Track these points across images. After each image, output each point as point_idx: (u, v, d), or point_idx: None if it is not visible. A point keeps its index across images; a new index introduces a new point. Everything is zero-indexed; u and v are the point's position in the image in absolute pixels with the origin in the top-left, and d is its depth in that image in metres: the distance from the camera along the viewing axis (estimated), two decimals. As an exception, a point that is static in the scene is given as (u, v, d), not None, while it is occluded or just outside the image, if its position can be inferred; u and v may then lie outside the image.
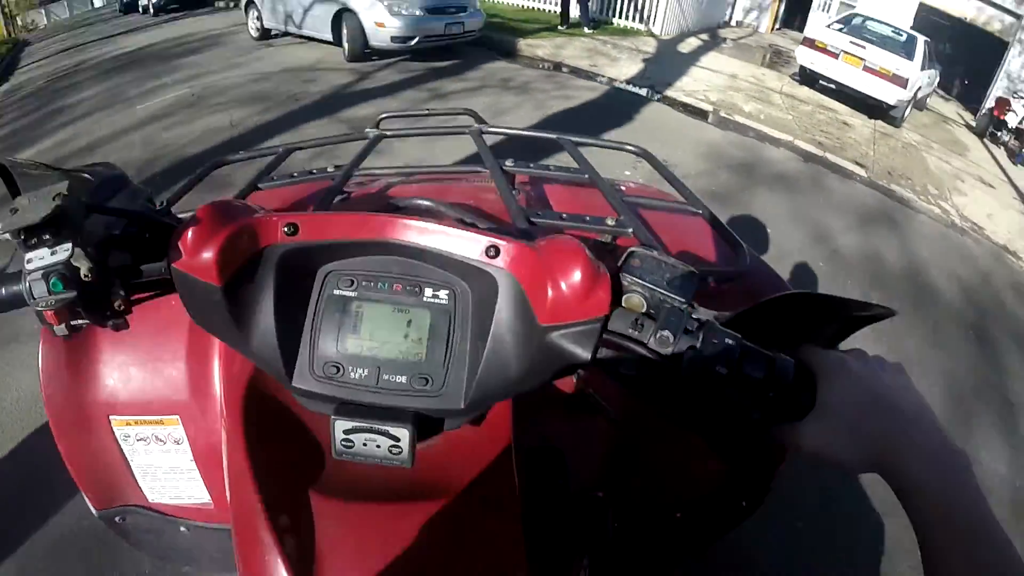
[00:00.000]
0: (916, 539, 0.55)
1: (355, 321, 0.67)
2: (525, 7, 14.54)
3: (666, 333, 0.61)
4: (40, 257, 0.57)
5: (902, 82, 9.78)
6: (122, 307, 0.66)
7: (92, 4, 54.04)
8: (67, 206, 0.56)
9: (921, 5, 17.13)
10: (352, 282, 0.68)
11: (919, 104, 12.30)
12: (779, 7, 19.70)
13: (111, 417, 0.94)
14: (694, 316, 0.64)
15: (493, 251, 0.64)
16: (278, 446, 0.77)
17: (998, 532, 0.52)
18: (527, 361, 0.64)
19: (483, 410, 0.68)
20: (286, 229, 0.65)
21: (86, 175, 0.65)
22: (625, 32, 12.56)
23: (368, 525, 0.70)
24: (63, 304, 0.59)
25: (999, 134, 13.67)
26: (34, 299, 0.58)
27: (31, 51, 21.82)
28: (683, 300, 0.64)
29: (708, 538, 1.33)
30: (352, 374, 0.66)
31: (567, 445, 0.92)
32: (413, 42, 8.85)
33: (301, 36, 10.59)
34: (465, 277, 0.67)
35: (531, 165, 1.25)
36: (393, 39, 8.74)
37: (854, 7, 16.16)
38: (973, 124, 14.62)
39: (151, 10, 23.95)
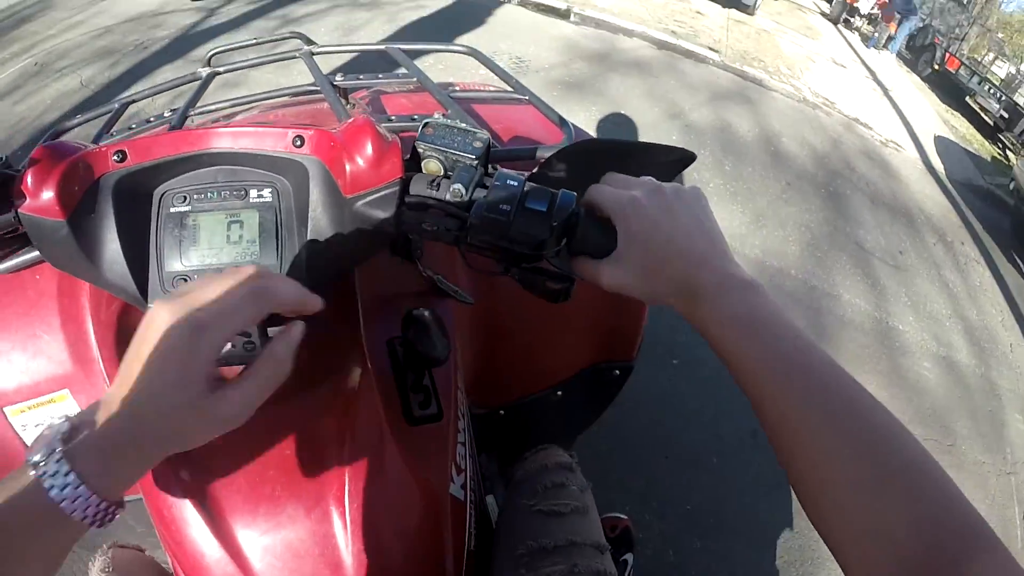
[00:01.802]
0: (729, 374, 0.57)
1: (193, 233, 0.69)
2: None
3: (458, 186, 0.66)
4: None
5: (752, -32, 9.93)
6: None
7: None
8: None
9: None
10: (185, 198, 0.70)
11: (772, -9, 12.57)
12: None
13: (5, 409, 0.91)
14: (489, 172, 0.70)
15: (299, 140, 0.69)
16: None
17: (805, 339, 0.54)
18: (344, 233, 0.69)
19: (319, 290, 0.67)
20: (115, 157, 0.67)
21: None
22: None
23: (249, 437, 0.70)
24: None
25: (852, 20, 14.28)
26: None
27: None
28: (473, 157, 0.68)
29: (592, 412, 1.40)
30: (195, 277, 0.68)
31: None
32: None
33: None
34: (282, 172, 0.71)
35: (360, 77, 1.28)
36: None
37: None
38: (827, 11, 15.13)
39: None
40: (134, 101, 1.36)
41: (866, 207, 5.22)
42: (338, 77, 1.24)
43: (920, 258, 4.86)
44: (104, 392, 0.83)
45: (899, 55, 13.06)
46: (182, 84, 1.45)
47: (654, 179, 0.66)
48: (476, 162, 0.68)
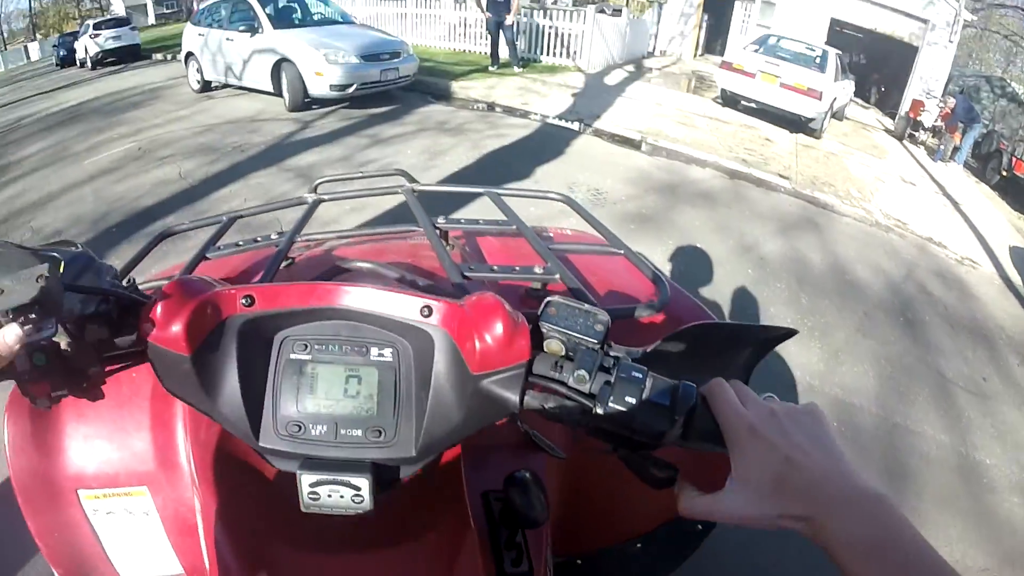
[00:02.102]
0: None
1: (311, 382, 0.72)
2: (457, 50, 14.89)
3: (582, 372, 0.67)
4: (27, 334, 0.60)
5: (817, 95, 10.34)
6: (98, 378, 0.71)
7: (27, 57, 52.80)
8: (50, 287, 0.60)
9: (833, 20, 17.89)
10: (306, 346, 0.73)
11: (837, 115, 12.93)
12: (700, 34, 20.55)
13: (79, 491, 0.95)
14: (610, 354, 0.71)
15: (427, 311, 0.71)
16: (250, 506, 0.83)
17: (935, 563, 0.53)
18: (465, 408, 0.70)
19: (433, 456, 0.74)
20: (243, 300, 0.71)
21: (54, 254, 0.67)
22: (553, 69, 12.91)
23: (339, 574, 0.76)
24: (45, 377, 0.65)
25: (917, 134, 14.38)
26: (18, 372, 0.63)
27: None
28: (596, 341, 0.69)
29: (670, 564, 1.36)
30: (313, 431, 0.71)
31: None
32: (351, 89, 8.99)
33: (241, 88, 10.69)
34: (405, 335, 0.73)
35: (462, 220, 1.33)
36: (332, 87, 8.88)
37: (769, 28, 16.86)
38: (892, 128, 15.34)
39: (89, 64, 23.61)
40: (242, 217, 1.41)
41: (945, 332, 5.14)
42: (440, 219, 1.29)
43: (1004, 383, 4.71)
44: (186, 498, 0.93)
45: (966, 165, 13.13)
46: (288, 207, 1.50)
47: (771, 401, 0.65)
48: (598, 346, 0.70)
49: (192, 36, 11.55)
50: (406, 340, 0.74)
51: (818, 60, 11.27)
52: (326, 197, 1.41)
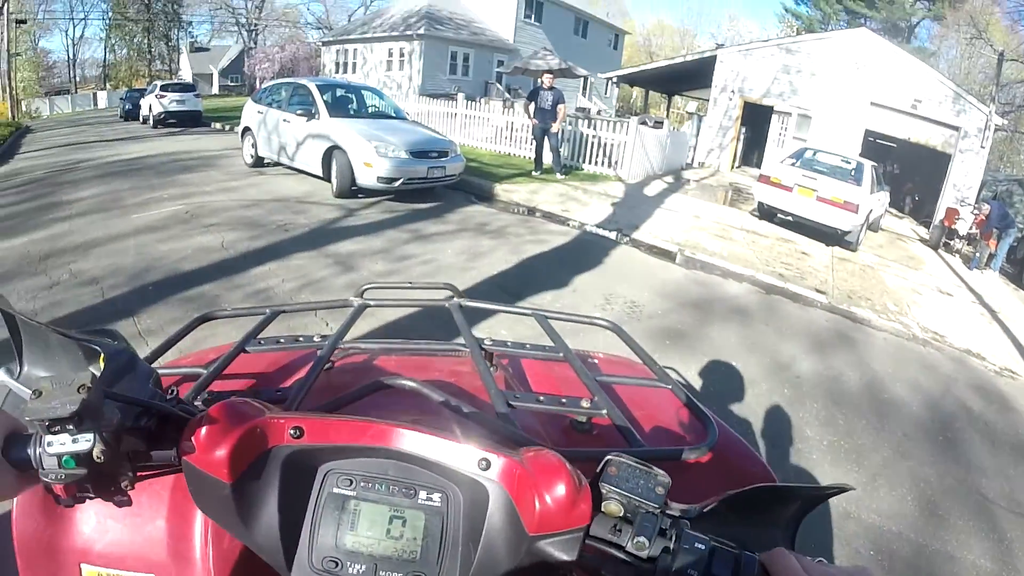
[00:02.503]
0: None
1: (353, 519, 0.70)
2: (502, 153, 15.42)
3: (642, 539, 0.65)
4: (61, 443, 0.59)
5: (854, 208, 10.49)
6: (128, 486, 0.69)
7: (95, 103, 55.10)
8: (91, 400, 0.59)
9: (867, 132, 18.33)
10: (351, 482, 0.71)
11: (873, 226, 13.05)
12: (737, 146, 21.13)
13: (82, 565, 0.92)
14: (667, 513, 0.69)
15: (484, 464, 0.69)
16: None
17: None
18: (515, 564, 0.68)
19: None
20: (292, 432, 0.70)
21: (95, 346, 0.67)
22: (595, 177, 13.22)
23: None
24: (72, 480, 0.62)
25: (952, 243, 14.37)
26: (44, 470, 0.61)
27: (32, 138, 21.83)
28: (656, 506, 0.67)
29: None
30: (350, 569, 0.68)
31: None
32: (397, 183, 9.38)
33: (292, 168, 11.12)
34: (457, 483, 0.72)
35: (508, 344, 1.32)
36: (379, 179, 9.28)
37: (805, 141, 17.22)
38: (927, 237, 15.40)
39: (151, 122, 24.68)
40: (285, 311, 1.41)
41: (986, 450, 5.03)
42: (487, 341, 1.29)
43: (1049, 501, 4.60)
44: None
45: (1002, 271, 13.08)
46: (332, 307, 1.53)
47: (828, 567, 0.66)
48: (659, 510, 0.68)
49: (251, 112, 12.17)
50: (458, 487, 0.72)
51: (854, 172, 11.48)
52: (371, 303, 1.42)
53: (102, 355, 0.67)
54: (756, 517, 0.77)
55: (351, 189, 9.63)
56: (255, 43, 56.68)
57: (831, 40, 18.95)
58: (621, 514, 0.68)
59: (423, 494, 0.72)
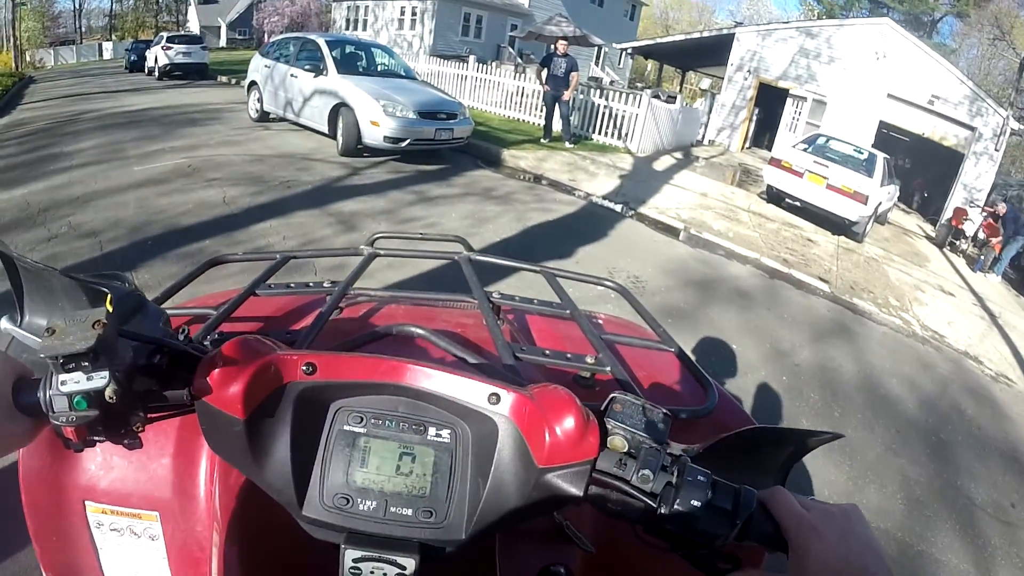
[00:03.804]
0: None
1: (363, 455, 0.70)
2: (511, 118, 15.22)
3: (647, 472, 0.66)
4: (76, 381, 0.57)
5: (863, 199, 10.39)
6: (139, 427, 0.67)
7: (100, 55, 55.16)
8: (107, 336, 0.57)
9: (881, 123, 18.14)
10: (361, 419, 0.71)
11: (880, 218, 12.98)
12: (749, 127, 20.92)
13: (86, 502, 0.93)
14: (668, 452, 0.70)
15: (495, 398, 0.70)
16: (274, 559, 0.81)
17: None
18: (524, 498, 0.69)
19: (482, 540, 0.72)
20: (305, 368, 0.70)
21: (105, 290, 0.64)
22: (604, 148, 13.08)
23: None
24: (83, 422, 0.60)
25: (958, 243, 14.37)
26: (54, 413, 0.59)
27: (35, 89, 21.88)
28: (659, 441, 0.69)
29: None
30: (361, 506, 0.68)
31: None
32: (404, 143, 9.17)
33: (298, 124, 10.97)
34: (466, 418, 0.72)
35: (516, 298, 1.33)
36: (386, 138, 9.07)
37: (819, 127, 17.07)
38: (933, 235, 15.39)
39: (156, 73, 24.57)
40: (296, 258, 1.44)
41: (976, 454, 5.04)
42: (495, 294, 1.31)
43: (1033, 509, 4.63)
44: (197, 532, 0.91)
45: (1005, 276, 13.08)
46: (343, 255, 1.53)
47: (825, 505, 0.70)
48: (662, 446, 0.70)
49: (258, 66, 12.01)
50: (466, 424, 0.73)
51: (866, 163, 11.39)
52: (382, 252, 1.43)
53: (109, 297, 0.63)
54: (751, 459, 0.80)
55: (357, 148, 9.46)
56: None
57: (853, 28, 18.67)
58: (625, 449, 0.69)
59: (432, 430, 0.72)
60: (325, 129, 10.03)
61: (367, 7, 32.03)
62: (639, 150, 13.30)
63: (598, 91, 14.02)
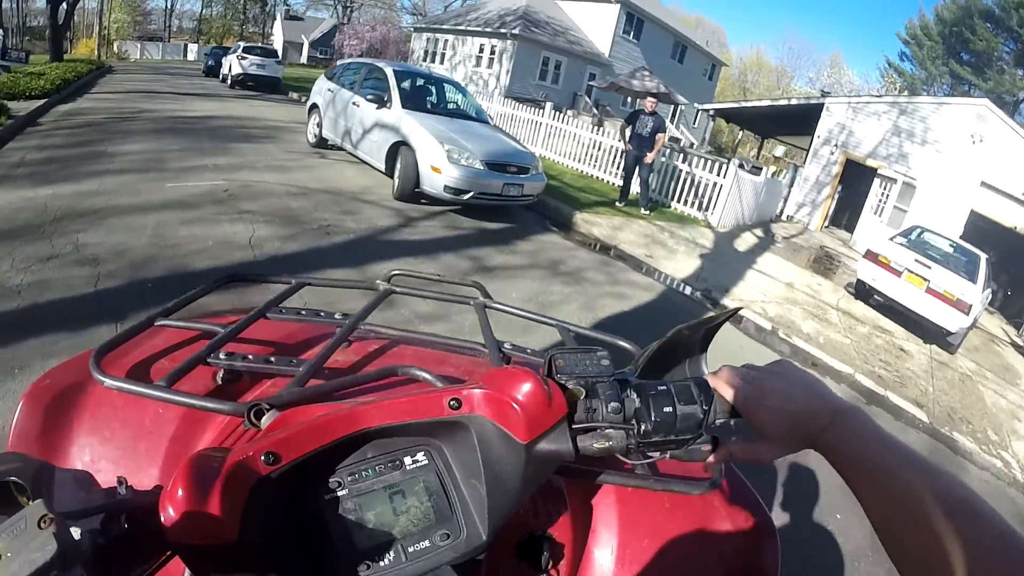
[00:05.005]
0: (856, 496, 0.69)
1: (358, 515, 0.68)
2: (585, 173, 14.51)
3: (615, 404, 0.75)
4: None
5: (965, 308, 9.30)
6: None
7: (185, 55, 58.82)
8: (63, 530, 0.49)
9: (972, 212, 17.01)
10: (339, 483, 0.69)
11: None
12: (830, 205, 19.65)
13: None
14: (618, 379, 0.79)
15: (455, 402, 0.72)
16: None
17: (903, 446, 0.69)
18: (522, 475, 0.71)
19: (502, 531, 0.73)
20: (265, 459, 0.64)
21: (14, 478, 0.55)
22: (682, 219, 12.20)
23: None
24: None
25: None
26: None
27: (109, 79, 22.81)
28: (609, 376, 0.79)
29: None
30: (382, 562, 0.67)
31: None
32: (466, 196, 8.31)
33: (355, 156, 10.32)
34: (434, 433, 0.74)
35: (527, 351, 1.37)
36: (446, 188, 8.22)
37: (906, 211, 16.17)
38: (1019, 342, 14.38)
39: (228, 81, 25.37)
40: (310, 285, 1.45)
41: None
42: (507, 344, 1.34)
43: None
44: None
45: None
46: (357, 288, 1.56)
47: (756, 369, 0.81)
48: (611, 378, 0.79)
49: (322, 89, 11.50)
50: (436, 438, 0.75)
51: (969, 265, 10.23)
52: (397, 289, 1.45)
53: (24, 486, 0.54)
54: (677, 354, 0.90)
55: (413, 192, 8.68)
56: (348, 19, 57.69)
57: (950, 108, 17.46)
58: (583, 395, 0.76)
59: (408, 459, 0.73)
60: (382, 167, 9.33)
61: (446, 40, 32.20)
62: (720, 224, 12.38)
63: (680, 155, 13.19)
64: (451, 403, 0.71)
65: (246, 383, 1.09)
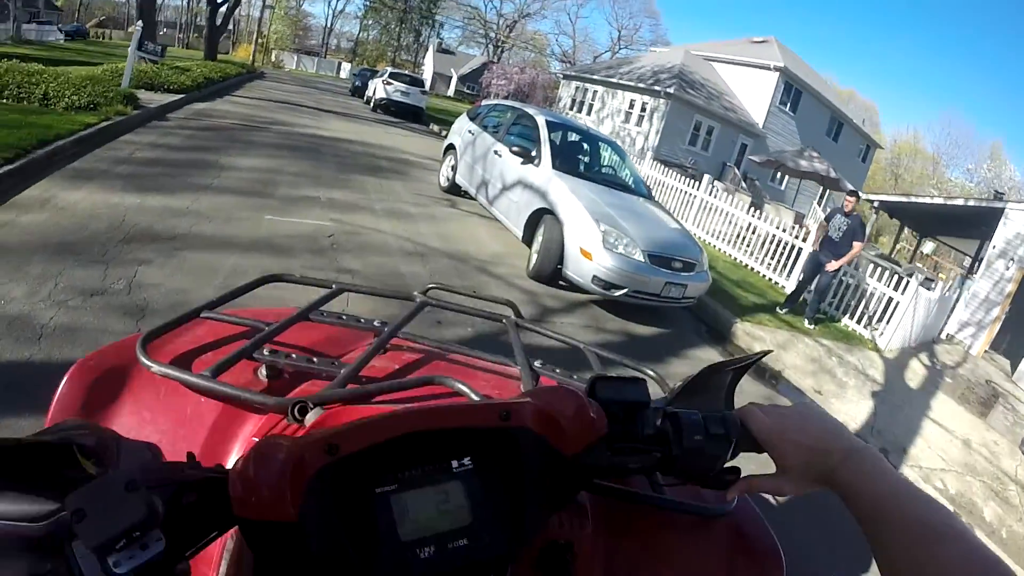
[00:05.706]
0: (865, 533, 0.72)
1: (405, 510, 0.68)
2: (738, 262, 13.12)
3: (649, 429, 0.82)
4: (130, 557, 0.49)
5: None
6: (186, 573, 0.59)
7: (338, 72, 61.58)
8: (149, 495, 0.52)
9: None
10: (391, 477, 0.69)
11: None
12: (996, 328, 17.00)
13: None
14: (655, 407, 0.85)
15: (505, 414, 0.74)
16: None
17: (915, 487, 0.73)
18: (561, 487, 0.76)
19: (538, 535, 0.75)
20: (327, 448, 0.65)
21: (80, 443, 0.58)
22: (849, 337, 10.39)
23: None
24: None
25: None
26: None
27: (257, 84, 23.42)
28: (645, 401, 0.84)
29: None
30: (422, 555, 0.67)
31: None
32: (618, 293, 6.86)
33: (488, 212, 9.22)
34: (484, 439, 0.74)
35: (557, 371, 1.42)
36: (595, 279, 6.80)
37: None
38: None
39: (371, 104, 25.42)
40: (349, 291, 1.52)
41: None
42: (537, 363, 1.39)
43: None
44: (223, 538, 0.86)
45: None
46: (395, 298, 1.68)
47: (782, 408, 0.88)
48: (648, 405, 0.84)
49: (461, 129, 10.57)
50: (485, 443, 0.75)
51: None
52: (432, 302, 1.55)
53: (78, 453, 0.58)
54: (706, 390, 0.95)
55: (552, 273, 7.43)
56: (498, 59, 58.41)
57: None
58: (621, 417, 0.81)
59: (455, 462, 0.73)
60: (519, 233, 8.15)
61: (596, 92, 31.55)
62: (887, 347, 10.55)
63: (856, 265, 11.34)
64: (502, 414, 0.73)
65: (286, 381, 1.12)
